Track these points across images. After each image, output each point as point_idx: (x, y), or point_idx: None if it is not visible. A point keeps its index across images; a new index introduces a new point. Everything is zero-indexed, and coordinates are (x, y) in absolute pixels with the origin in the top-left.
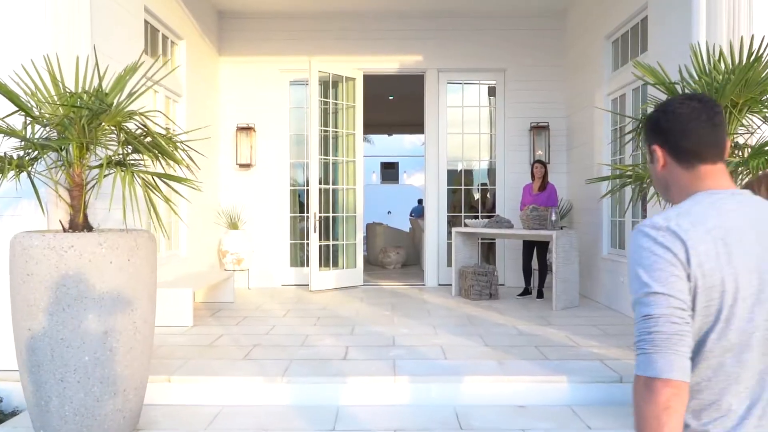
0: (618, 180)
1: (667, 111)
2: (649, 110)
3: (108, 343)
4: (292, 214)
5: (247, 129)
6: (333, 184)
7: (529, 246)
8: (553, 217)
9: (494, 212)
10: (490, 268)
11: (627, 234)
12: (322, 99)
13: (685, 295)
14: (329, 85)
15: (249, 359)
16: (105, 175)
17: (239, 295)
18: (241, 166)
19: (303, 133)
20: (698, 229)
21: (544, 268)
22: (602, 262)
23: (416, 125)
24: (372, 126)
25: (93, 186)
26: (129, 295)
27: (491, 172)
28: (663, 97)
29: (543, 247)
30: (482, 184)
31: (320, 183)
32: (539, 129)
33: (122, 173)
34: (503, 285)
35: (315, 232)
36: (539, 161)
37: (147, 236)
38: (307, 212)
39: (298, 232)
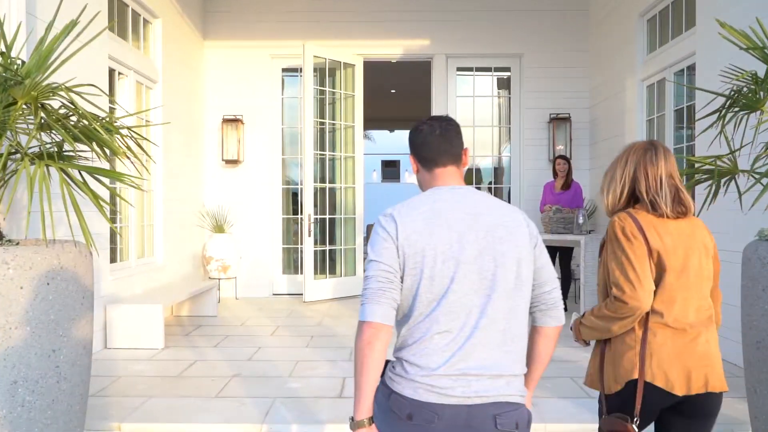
0: (693, 176)
1: (416, 129)
2: (739, 83)
3: (18, 395)
4: (285, 216)
5: (234, 121)
6: (330, 182)
7: (550, 252)
8: (581, 220)
9: None
10: None
11: None
12: (318, 87)
13: (393, 262)
14: (325, 72)
15: (223, 397)
16: (6, 172)
17: (224, 306)
18: (228, 162)
19: (297, 126)
20: (412, 213)
21: (568, 278)
22: None
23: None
24: (372, 121)
25: (5, 184)
26: (49, 330)
27: (505, 169)
28: (754, 64)
29: (566, 253)
30: (494, 183)
31: (315, 181)
32: (560, 121)
33: (29, 166)
34: None
35: (309, 236)
36: (562, 156)
37: (77, 251)
38: (301, 214)
39: (292, 236)
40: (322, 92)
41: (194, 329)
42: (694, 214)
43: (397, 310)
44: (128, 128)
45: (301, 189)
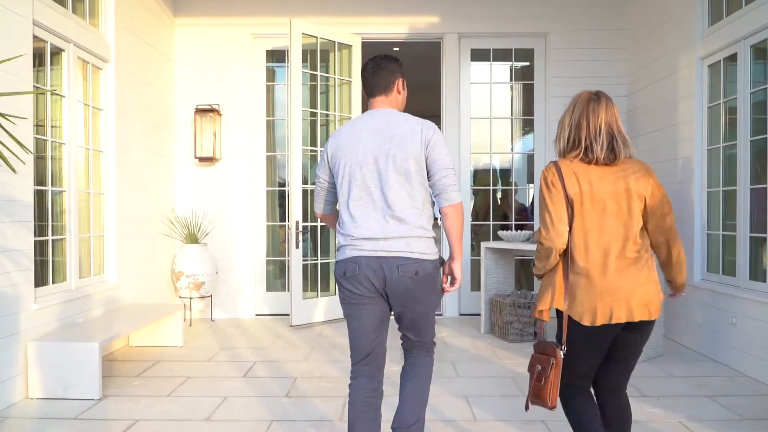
0: None
1: (362, 68)
2: None
3: None
4: (270, 223)
5: (209, 112)
6: None
7: None
8: None
9: (528, 219)
10: (535, 297)
11: (737, 253)
12: (309, 72)
13: (324, 175)
14: (317, 55)
15: None
16: None
17: (195, 332)
18: (202, 160)
19: (285, 118)
20: (339, 133)
21: None
22: (693, 292)
23: (426, 116)
24: None
25: None
26: None
27: (527, 168)
28: None
29: None
30: (515, 184)
31: (306, 182)
32: None
33: None
34: None
35: (297, 247)
36: None
37: None
38: (288, 221)
39: (278, 246)
40: (313, 78)
41: (150, 366)
42: (632, 157)
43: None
44: None
45: (288, 191)
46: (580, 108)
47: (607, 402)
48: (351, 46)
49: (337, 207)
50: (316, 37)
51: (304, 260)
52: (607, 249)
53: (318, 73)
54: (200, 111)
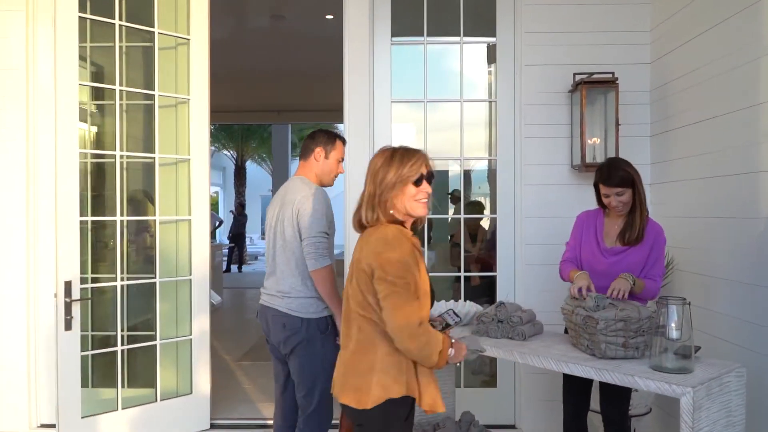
0: None
1: None
2: None
3: None
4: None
5: None
6: (134, 211)
7: (583, 380)
8: (674, 333)
9: (489, 269)
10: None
11: None
12: (105, 20)
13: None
14: None
15: None
16: None
17: None
18: None
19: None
20: (275, 196)
21: (622, 424)
22: None
23: (332, 109)
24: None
25: None
26: None
27: (489, 182)
28: None
29: (614, 390)
30: (463, 210)
31: (102, 210)
32: (594, 87)
33: None
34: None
35: (68, 328)
36: (612, 169)
37: None
38: (56, 280)
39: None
40: (106, 33)
41: None
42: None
43: None
44: None
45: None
46: None
47: None
48: None
49: None
50: None
51: (92, 348)
52: (347, 322)
53: (117, 21)
54: None
